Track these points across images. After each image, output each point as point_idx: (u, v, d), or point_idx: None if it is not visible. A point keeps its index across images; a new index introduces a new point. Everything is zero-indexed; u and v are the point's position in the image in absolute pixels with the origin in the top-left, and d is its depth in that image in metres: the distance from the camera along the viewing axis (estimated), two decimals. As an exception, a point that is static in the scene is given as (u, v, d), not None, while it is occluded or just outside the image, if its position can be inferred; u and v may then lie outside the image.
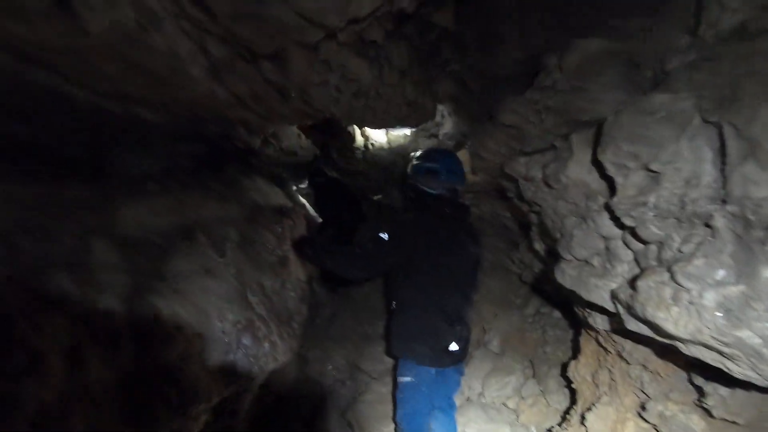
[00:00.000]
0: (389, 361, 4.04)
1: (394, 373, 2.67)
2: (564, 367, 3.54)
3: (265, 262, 2.19)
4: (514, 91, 2.37)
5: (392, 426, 3.43)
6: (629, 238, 1.69)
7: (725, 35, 1.25)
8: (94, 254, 1.60)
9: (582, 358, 2.83)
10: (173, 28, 1.68)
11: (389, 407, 3.47)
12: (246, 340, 1.79)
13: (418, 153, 2.53)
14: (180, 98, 2.16)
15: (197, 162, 4.38)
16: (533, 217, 2.66)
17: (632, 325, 1.66)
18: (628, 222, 1.57)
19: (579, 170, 1.82)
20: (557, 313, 4.19)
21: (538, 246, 3.04)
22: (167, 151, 3.35)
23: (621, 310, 1.70)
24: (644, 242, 1.58)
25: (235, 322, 1.81)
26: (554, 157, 1.97)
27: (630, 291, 1.56)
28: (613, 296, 1.75)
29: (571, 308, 3.37)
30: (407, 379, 2.44)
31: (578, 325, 3.32)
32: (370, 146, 3.94)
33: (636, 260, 1.72)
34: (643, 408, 2.14)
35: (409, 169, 2.47)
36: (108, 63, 1.67)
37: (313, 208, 4.50)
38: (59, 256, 1.47)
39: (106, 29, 1.48)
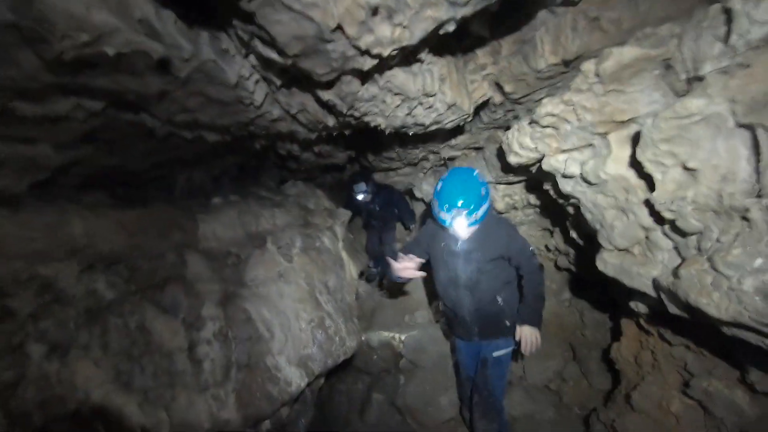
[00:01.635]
0: (433, 351, 4.23)
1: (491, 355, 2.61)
2: (605, 350, 3.66)
3: (325, 263, 2.40)
4: (551, 92, 2.49)
5: (439, 407, 3.63)
6: (669, 230, 1.82)
7: (756, 44, 1.35)
8: (190, 268, 1.85)
9: (624, 341, 2.95)
10: (243, 64, 1.90)
11: (436, 392, 3.67)
12: (320, 336, 2.02)
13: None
14: (241, 120, 2.39)
15: (241, 169, 4.67)
16: (570, 209, 2.78)
17: (675, 309, 1.79)
18: (668, 215, 1.70)
19: (618, 167, 1.95)
20: (593, 297, 4.29)
21: (574, 234, 3.16)
22: (219, 163, 3.62)
23: (663, 296, 1.83)
24: (684, 233, 1.71)
25: (309, 320, 2.04)
26: (593, 155, 2.09)
27: (672, 279, 1.69)
28: (656, 283, 1.89)
29: (608, 292, 3.48)
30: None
31: (617, 309, 3.42)
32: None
33: (676, 249, 1.84)
34: (688, 386, 2.27)
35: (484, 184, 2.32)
36: (190, 98, 1.90)
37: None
38: (166, 271, 1.72)
39: (192, 71, 1.71)
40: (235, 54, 1.83)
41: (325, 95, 2.18)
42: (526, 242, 2.37)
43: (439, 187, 2.26)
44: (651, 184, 1.77)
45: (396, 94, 2.25)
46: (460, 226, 2.20)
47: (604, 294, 3.81)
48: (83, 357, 1.29)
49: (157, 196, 3.11)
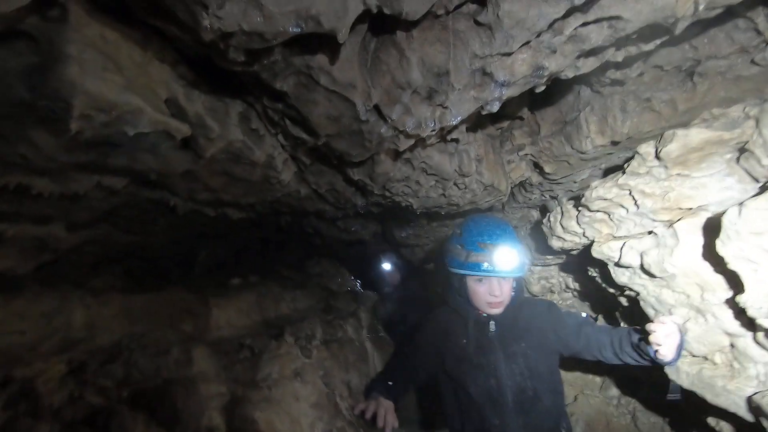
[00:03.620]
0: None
1: None
2: (671, 467, 3.11)
3: (348, 358, 2.13)
4: (599, 174, 2.33)
5: None
6: (764, 338, 1.51)
7: None
8: (196, 365, 1.62)
9: (699, 461, 2.45)
10: (272, 143, 1.82)
11: None
12: (339, 454, 1.70)
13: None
14: (266, 198, 2.28)
15: (263, 243, 4.56)
16: (623, 300, 2.47)
17: (786, 443, 1.42)
18: (764, 322, 1.41)
19: (688, 260, 1.69)
20: (643, 396, 3.80)
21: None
22: (240, 238, 3.51)
23: (767, 423, 1.47)
24: (788, 345, 1.40)
25: (326, 431, 1.73)
26: (655, 244, 1.85)
27: (781, 405, 1.35)
28: (753, 405, 1.53)
29: (665, 394, 3.03)
30: None
31: (681, 416, 2.96)
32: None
33: (776, 363, 1.51)
34: None
35: None
36: (213, 178, 1.81)
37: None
38: (168, 370, 1.50)
39: (218, 151, 1.62)
40: (264, 134, 1.75)
41: (356, 175, 2.06)
42: None
43: (461, 229, 1.76)
44: (735, 283, 1.50)
45: (430, 174, 2.12)
46: (507, 262, 1.59)
47: (656, 392, 3.34)
48: (50, 490, 1.04)
49: (175, 272, 2.97)
